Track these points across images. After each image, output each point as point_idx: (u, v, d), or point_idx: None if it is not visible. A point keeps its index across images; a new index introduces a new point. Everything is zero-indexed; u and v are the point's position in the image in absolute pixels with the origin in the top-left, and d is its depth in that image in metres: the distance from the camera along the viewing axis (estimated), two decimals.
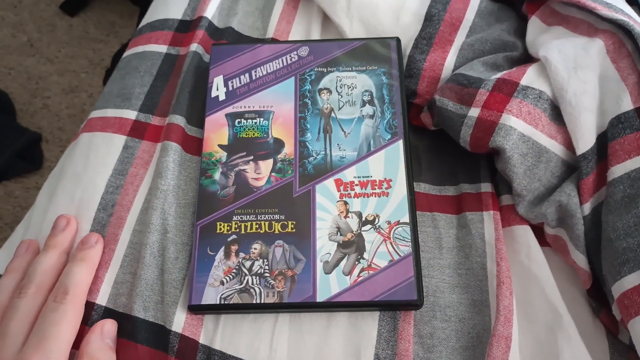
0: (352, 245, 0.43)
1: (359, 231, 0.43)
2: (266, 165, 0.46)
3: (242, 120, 0.48)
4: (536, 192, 0.43)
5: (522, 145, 0.42)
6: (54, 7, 1.62)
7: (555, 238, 0.43)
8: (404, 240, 0.43)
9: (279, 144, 0.47)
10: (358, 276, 0.42)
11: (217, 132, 0.48)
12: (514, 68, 0.45)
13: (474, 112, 0.43)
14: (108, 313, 0.43)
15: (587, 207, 0.41)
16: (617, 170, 0.40)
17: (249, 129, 0.48)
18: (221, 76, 0.50)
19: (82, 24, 1.59)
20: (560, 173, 0.43)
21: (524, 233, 0.44)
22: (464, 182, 0.47)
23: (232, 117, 0.49)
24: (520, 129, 0.42)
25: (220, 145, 0.47)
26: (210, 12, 0.57)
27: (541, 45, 0.45)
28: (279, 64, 0.50)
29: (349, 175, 0.45)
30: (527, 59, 0.49)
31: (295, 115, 0.48)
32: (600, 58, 0.42)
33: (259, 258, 0.43)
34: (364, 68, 0.50)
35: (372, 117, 0.48)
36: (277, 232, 0.44)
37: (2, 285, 0.43)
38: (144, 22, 0.59)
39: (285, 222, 0.44)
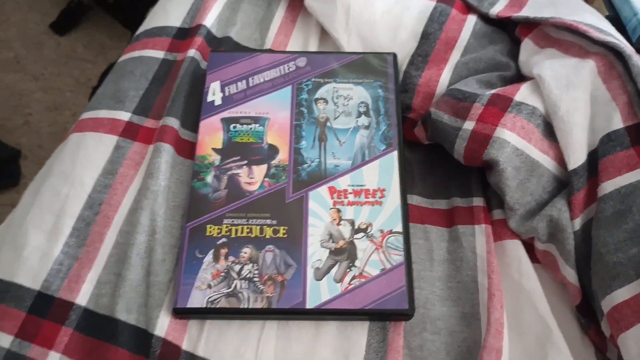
0: (344, 253, 0.42)
1: (351, 239, 0.43)
2: (260, 171, 0.46)
3: (238, 125, 0.48)
4: (528, 206, 0.43)
5: (516, 159, 0.43)
6: (43, 25, 1.61)
7: (545, 254, 0.43)
8: (397, 250, 0.42)
9: (273, 150, 0.47)
10: (349, 284, 0.41)
11: (211, 135, 0.48)
12: (508, 85, 0.46)
13: (469, 125, 0.44)
14: (88, 314, 0.41)
15: (578, 223, 0.42)
16: (608, 186, 0.41)
17: (243, 134, 0.48)
18: (218, 82, 0.50)
19: (70, 44, 1.59)
20: (551, 188, 0.44)
21: (515, 247, 0.44)
22: (456, 195, 0.47)
23: (227, 121, 0.48)
24: (514, 142, 0.42)
25: (214, 149, 0.47)
26: (210, 21, 0.57)
27: (534, 64, 0.47)
28: (276, 72, 0.51)
29: (342, 183, 0.45)
30: (519, 79, 0.50)
31: (291, 122, 0.48)
32: (592, 78, 0.44)
33: (248, 262, 0.42)
34: (361, 80, 0.51)
35: (367, 127, 0.48)
36: (268, 236, 0.43)
37: None
38: (141, 29, 0.59)
39: (277, 227, 0.43)
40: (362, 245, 0.43)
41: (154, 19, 0.59)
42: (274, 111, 0.49)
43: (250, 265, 0.42)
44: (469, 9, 0.56)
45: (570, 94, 0.43)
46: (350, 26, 0.54)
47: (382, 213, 0.44)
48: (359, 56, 0.52)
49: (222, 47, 0.56)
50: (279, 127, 0.48)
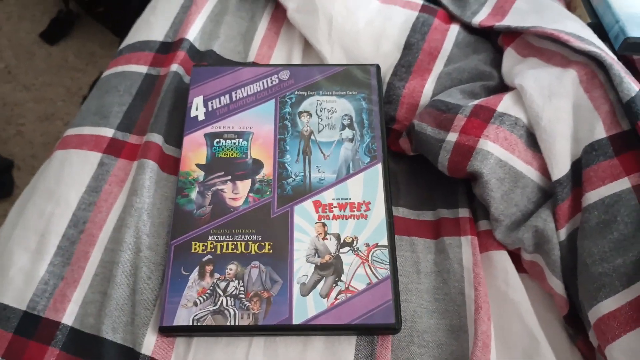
0: (329, 268, 0.42)
1: (337, 253, 0.43)
2: (244, 186, 0.46)
3: (221, 140, 0.48)
4: (513, 217, 0.43)
5: (499, 170, 0.42)
6: (33, 35, 1.61)
7: (532, 264, 0.43)
8: (382, 263, 0.42)
9: (257, 164, 0.47)
10: (335, 299, 0.41)
11: (195, 151, 0.47)
12: (491, 96, 0.46)
13: (452, 136, 0.44)
14: (74, 333, 0.41)
15: (563, 233, 0.42)
16: (592, 196, 0.41)
17: (227, 149, 0.48)
18: (201, 96, 0.50)
19: (61, 53, 1.58)
20: (536, 198, 0.44)
21: (502, 258, 0.44)
22: (441, 207, 0.47)
23: (211, 136, 0.48)
24: (497, 154, 0.42)
25: (198, 165, 0.47)
26: (192, 34, 0.57)
27: (517, 74, 0.47)
28: (259, 86, 0.51)
29: (327, 197, 0.45)
30: (503, 88, 0.50)
31: (275, 136, 0.48)
32: (574, 87, 0.43)
33: (234, 279, 0.42)
34: (344, 93, 0.50)
35: (351, 140, 0.48)
36: (253, 252, 0.43)
37: None
38: (125, 43, 0.59)
39: (262, 243, 0.43)
40: (348, 259, 0.43)
41: (137, 33, 0.59)
42: (257, 125, 0.49)
43: (236, 282, 0.42)
44: (451, 18, 0.56)
45: (553, 104, 0.43)
46: (333, 37, 0.54)
47: (368, 226, 0.44)
48: (342, 68, 0.52)
49: (206, 60, 0.56)
50: (263, 142, 0.48)
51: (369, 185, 0.46)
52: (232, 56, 0.57)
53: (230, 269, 0.42)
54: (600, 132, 0.42)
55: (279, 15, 0.59)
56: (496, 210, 0.43)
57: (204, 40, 0.58)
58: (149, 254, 0.44)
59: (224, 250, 0.43)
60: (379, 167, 0.46)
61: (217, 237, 0.43)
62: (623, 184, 0.40)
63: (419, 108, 0.50)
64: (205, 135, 0.48)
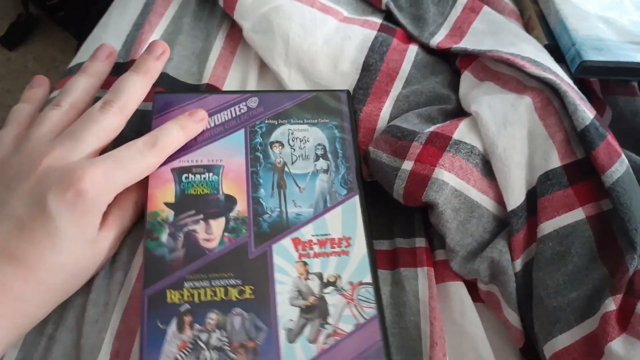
0: (314, 310, 0.40)
1: (321, 294, 0.41)
2: (218, 225, 0.42)
3: (190, 175, 0.44)
4: (469, 247, 0.43)
5: (455, 200, 0.42)
6: None
7: (488, 294, 0.43)
8: (368, 302, 0.41)
9: (230, 201, 0.43)
10: (324, 343, 0.39)
11: (162, 188, 0.43)
12: (447, 122, 0.45)
13: (408, 165, 0.43)
14: None
15: (519, 264, 0.41)
16: (546, 227, 0.40)
17: (197, 185, 0.44)
18: None
19: (21, 58, 1.54)
20: (492, 228, 0.43)
21: (458, 290, 0.43)
22: (398, 236, 0.46)
23: (178, 172, 0.44)
24: (452, 183, 0.42)
25: (166, 204, 0.43)
26: None
27: (472, 100, 0.46)
28: (227, 115, 0.47)
29: (306, 233, 0.43)
30: (460, 111, 0.49)
31: (247, 169, 0.45)
32: (529, 114, 0.43)
33: (216, 329, 0.39)
34: (316, 121, 0.48)
35: (326, 171, 0.46)
36: (234, 298, 0.40)
37: (75, 85, 0.45)
38: (74, 61, 0.57)
39: (243, 288, 0.40)
40: (333, 300, 0.41)
41: (87, 51, 0.56)
42: (227, 157, 0.45)
43: (219, 332, 0.39)
44: (410, 38, 0.55)
45: (508, 131, 0.42)
46: (290, 58, 0.52)
47: (350, 263, 0.42)
48: (312, 94, 0.50)
49: (159, 84, 0.54)
50: (234, 175, 0.45)
51: (347, 219, 0.44)
52: (186, 78, 0.55)
53: (211, 319, 0.39)
54: (555, 160, 0.41)
55: (235, 35, 0.57)
56: (452, 241, 0.42)
57: None
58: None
59: (202, 298, 0.40)
60: (356, 199, 0.45)
61: (193, 284, 0.40)
62: (577, 214, 0.40)
63: (375, 132, 0.49)
64: (172, 170, 0.44)
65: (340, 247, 0.43)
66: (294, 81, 0.53)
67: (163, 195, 0.43)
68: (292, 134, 0.47)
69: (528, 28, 0.57)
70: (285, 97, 0.50)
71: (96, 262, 0.41)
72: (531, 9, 0.58)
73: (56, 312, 0.41)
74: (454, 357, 0.41)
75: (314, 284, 0.41)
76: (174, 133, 0.43)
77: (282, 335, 0.39)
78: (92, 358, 0.39)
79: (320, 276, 0.42)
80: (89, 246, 0.39)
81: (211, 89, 0.53)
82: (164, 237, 0.42)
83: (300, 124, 0.48)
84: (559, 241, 0.39)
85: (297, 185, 0.45)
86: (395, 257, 0.45)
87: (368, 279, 0.42)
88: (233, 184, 0.44)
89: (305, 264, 0.42)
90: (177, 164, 0.44)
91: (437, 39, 0.54)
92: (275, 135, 0.47)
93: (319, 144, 0.47)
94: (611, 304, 0.36)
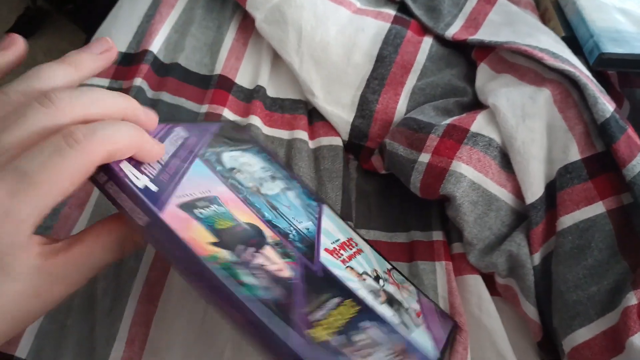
0: (393, 302, 0.39)
1: (382, 288, 0.40)
2: (270, 254, 0.35)
3: (200, 210, 0.34)
4: (487, 240, 0.42)
5: (472, 193, 0.41)
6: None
7: (506, 288, 0.42)
8: (405, 282, 0.42)
9: (255, 229, 0.37)
10: (421, 324, 0.39)
11: (190, 229, 0.32)
12: (464, 114, 0.45)
13: (425, 157, 0.42)
14: None
15: (537, 257, 0.41)
16: (566, 220, 0.40)
17: (217, 219, 0.35)
18: (124, 162, 0.32)
19: (30, 51, 1.53)
20: (510, 222, 0.42)
21: (475, 283, 0.43)
22: (415, 228, 0.46)
23: (187, 208, 0.34)
24: (471, 176, 0.41)
25: (212, 244, 0.33)
26: (156, 46, 0.55)
27: (490, 92, 0.45)
28: (170, 145, 0.37)
29: (327, 243, 0.40)
30: (477, 104, 0.49)
31: (238, 197, 0.38)
32: (548, 107, 0.42)
33: (374, 346, 0.35)
34: (244, 147, 0.44)
35: (289, 189, 0.43)
36: (353, 314, 0.35)
37: (41, 72, 0.31)
38: None
39: (346, 302, 0.36)
40: (390, 289, 0.40)
41: None
42: (211, 188, 0.37)
43: (377, 347, 0.35)
44: (424, 30, 0.54)
45: (527, 124, 0.42)
46: (302, 48, 0.52)
47: (369, 257, 0.41)
48: (220, 124, 0.46)
49: (171, 73, 0.53)
50: (234, 204, 0.37)
51: (337, 224, 0.43)
52: (198, 68, 0.54)
53: (361, 339, 0.34)
54: (574, 154, 0.41)
55: (247, 25, 0.57)
56: (469, 234, 0.42)
57: (168, 52, 0.55)
58: None
59: (337, 324, 0.34)
60: (326, 207, 0.44)
61: (314, 316, 0.33)
62: (597, 208, 0.39)
63: (392, 125, 0.49)
64: (181, 207, 0.33)
65: (354, 248, 0.42)
66: (305, 71, 0.52)
67: (199, 236, 0.33)
68: (237, 160, 0.42)
69: (544, 20, 0.56)
70: (203, 126, 0.43)
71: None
72: (547, 1, 0.57)
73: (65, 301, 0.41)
74: (472, 350, 0.40)
75: (371, 282, 0.39)
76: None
77: (404, 332, 0.37)
78: (108, 347, 0.39)
79: (367, 274, 0.40)
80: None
81: (223, 80, 0.53)
82: (249, 279, 0.32)
83: (235, 150, 0.43)
84: (579, 235, 0.39)
85: (283, 204, 0.41)
86: (412, 249, 0.45)
87: (388, 265, 0.42)
88: (241, 212, 0.37)
89: (351, 267, 0.39)
90: (176, 200, 0.33)
91: (453, 31, 0.53)
92: (226, 162, 0.40)
93: (263, 167, 0.43)
94: (633, 298, 0.35)
